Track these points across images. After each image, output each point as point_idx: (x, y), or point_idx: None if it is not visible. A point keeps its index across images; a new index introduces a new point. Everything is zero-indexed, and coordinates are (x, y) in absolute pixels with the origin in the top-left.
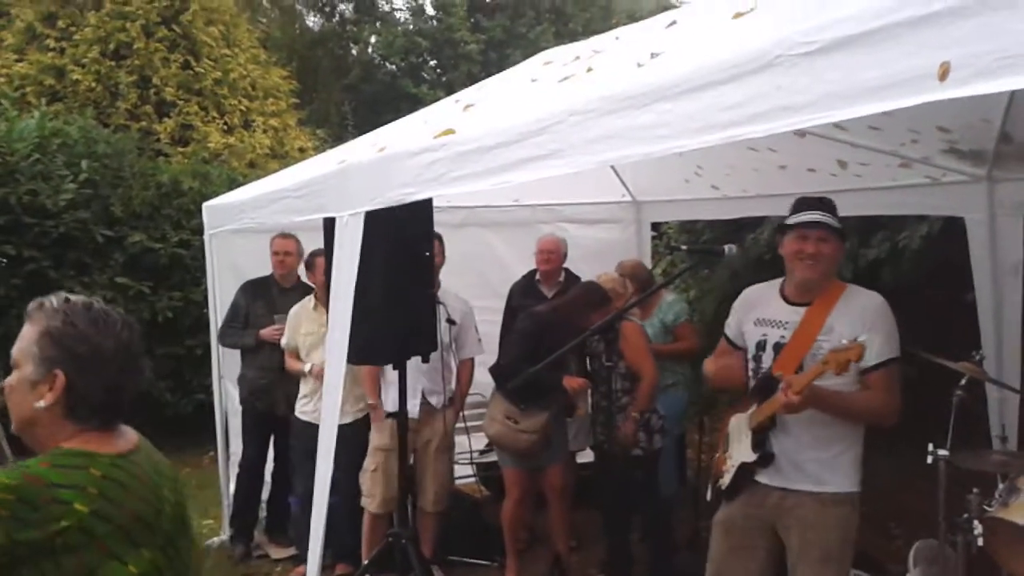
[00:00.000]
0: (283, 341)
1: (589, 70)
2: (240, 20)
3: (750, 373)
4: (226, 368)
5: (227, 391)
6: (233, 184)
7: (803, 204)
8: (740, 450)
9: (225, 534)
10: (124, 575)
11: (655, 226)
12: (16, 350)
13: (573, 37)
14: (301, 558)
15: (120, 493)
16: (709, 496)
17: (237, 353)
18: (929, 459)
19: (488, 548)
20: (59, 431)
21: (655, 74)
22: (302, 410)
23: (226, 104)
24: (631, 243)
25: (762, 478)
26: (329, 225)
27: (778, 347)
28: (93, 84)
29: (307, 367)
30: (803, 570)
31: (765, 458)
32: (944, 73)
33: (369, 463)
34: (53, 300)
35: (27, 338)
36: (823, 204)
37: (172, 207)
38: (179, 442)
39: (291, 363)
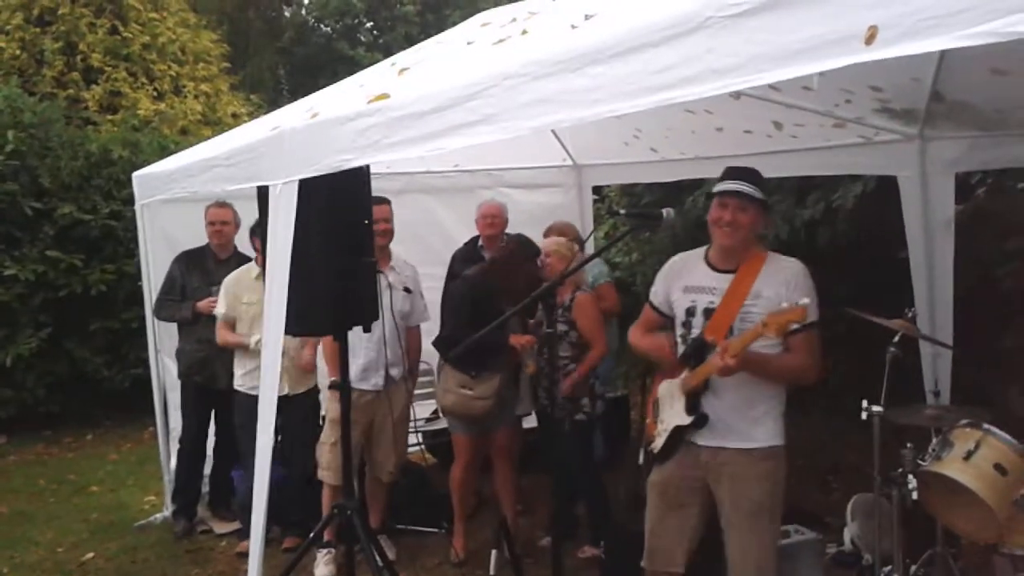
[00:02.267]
0: (218, 311)
1: (524, 32)
2: None
3: (678, 339)
4: (163, 342)
5: (165, 365)
6: (165, 152)
7: (729, 173)
8: (672, 414)
9: (167, 510)
10: None
11: (596, 190)
12: None
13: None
14: (246, 532)
15: None
16: (641, 460)
17: (174, 326)
18: (864, 415)
19: (435, 516)
20: None
21: (589, 36)
22: (249, 384)
23: (155, 70)
24: (573, 207)
25: (695, 438)
26: (263, 194)
27: (708, 312)
28: (17, 52)
29: (253, 340)
30: (735, 523)
31: (700, 420)
32: (872, 36)
33: (328, 435)
34: None
35: None
36: (747, 173)
37: (102, 177)
38: (118, 418)
39: (225, 335)
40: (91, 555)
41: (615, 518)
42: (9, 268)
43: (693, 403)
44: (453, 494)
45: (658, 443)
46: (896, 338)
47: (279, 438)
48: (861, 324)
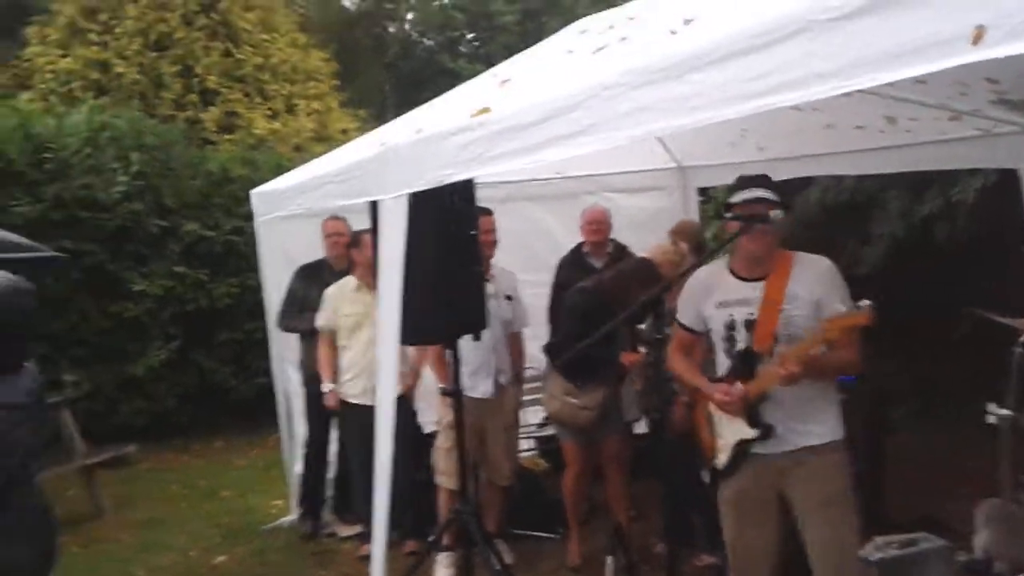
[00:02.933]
0: (319, 322)
1: (623, 39)
2: (277, 4)
3: (722, 353)
4: (285, 352)
5: (287, 374)
6: (280, 169)
7: (743, 183)
8: (733, 429)
9: (294, 514)
10: None
11: (702, 191)
12: None
13: (610, 2)
14: (368, 536)
15: None
16: (707, 479)
17: (295, 337)
18: (991, 419)
19: (550, 521)
20: None
21: (688, 42)
22: (348, 393)
23: (269, 89)
24: (677, 209)
25: (760, 449)
26: (375, 208)
27: (749, 324)
28: (137, 76)
29: (345, 357)
30: (809, 518)
31: (766, 431)
32: (978, 37)
33: (442, 441)
34: None
35: None
36: (762, 180)
37: (223, 195)
38: (244, 425)
39: (324, 350)
40: (222, 558)
41: None
42: (138, 284)
43: (754, 415)
44: (566, 500)
45: (722, 459)
46: (1023, 338)
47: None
48: (983, 324)
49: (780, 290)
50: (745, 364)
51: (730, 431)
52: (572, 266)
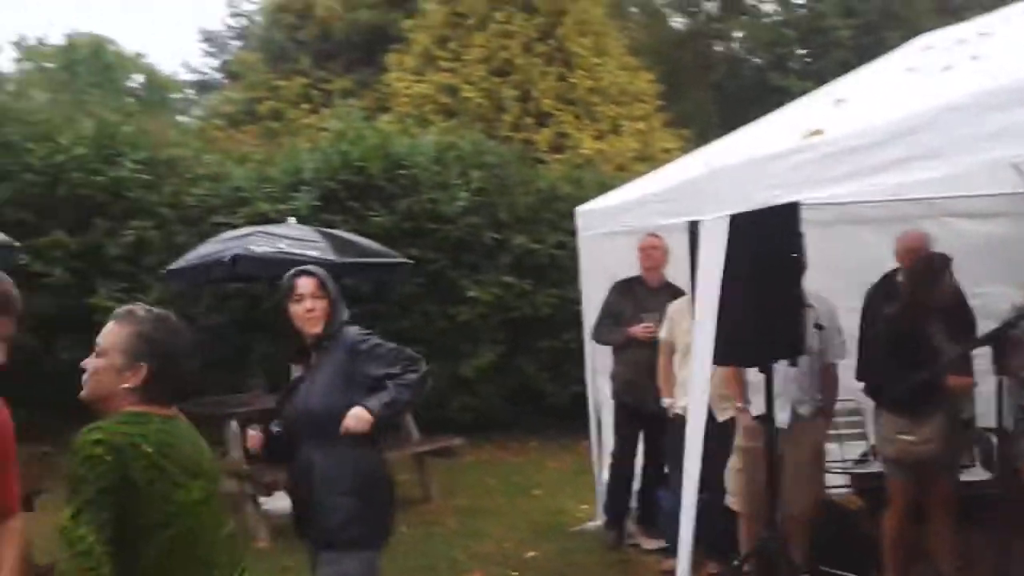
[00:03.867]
0: (661, 335)
1: (974, 58)
2: (610, 29)
3: None
4: (599, 363)
5: (599, 385)
6: (604, 187)
7: None
8: None
9: (599, 520)
10: (187, 498)
11: None
12: (106, 342)
13: (957, 15)
14: (671, 551)
15: (173, 439)
16: None
17: (609, 349)
18: None
19: (864, 563)
20: (125, 404)
21: None
22: (679, 406)
23: (597, 111)
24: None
25: None
26: (694, 228)
27: None
28: (481, 100)
29: (681, 373)
30: None
31: None
32: None
33: (735, 462)
34: (140, 310)
35: (118, 334)
36: None
37: (550, 211)
38: (558, 429)
39: (663, 362)
40: (533, 553)
41: None
42: (472, 291)
43: None
44: (885, 542)
45: None
46: None
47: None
48: None
49: None
50: None
51: None
52: (887, 297)
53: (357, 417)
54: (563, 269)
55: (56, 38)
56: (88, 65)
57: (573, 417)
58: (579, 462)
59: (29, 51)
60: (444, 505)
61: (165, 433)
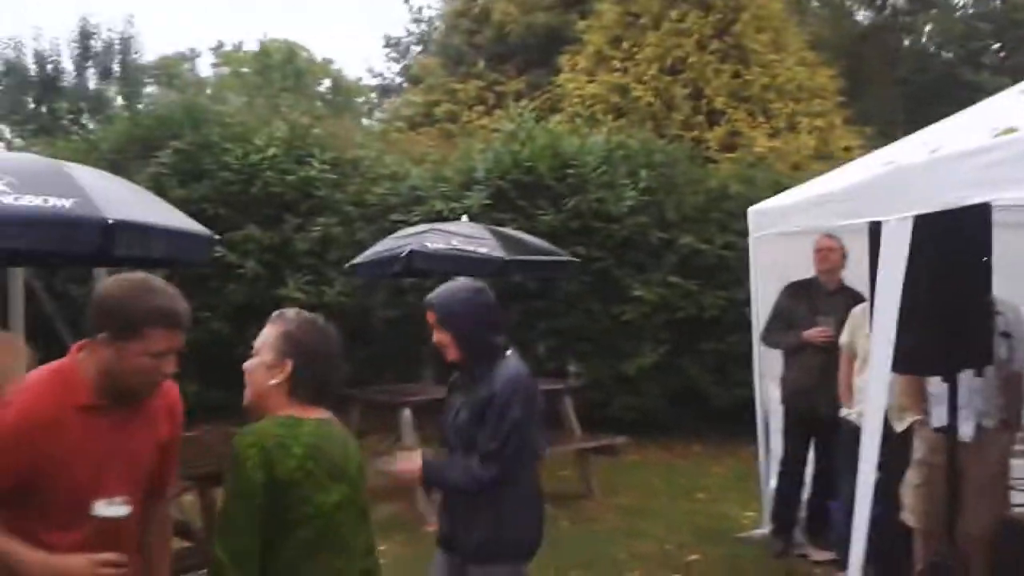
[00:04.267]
0: (841, 339)
1: None
2: (789, 24)
3: None
4: (767, 367)
5: (767, 389)
6: (777, 187)
7: None
8: None
9: (765, 527)
10: (326, 500)
11: None
12: (259, 342)
13: None
14: (842, 564)
15: (322, 443)
16: None
17: (778, 353)
18: None
19: None
20: (277, 405)
21: None
22: (854, 412)
23: (772, 108)
24: None
25: None
26: (875, 229)
27: None
28: (652, 99)
29: (859, 379)
30: None
31: None
32: None
33: (912, 476)
34: (290, 312)
35: (269, 334)
36: None
37: (720, 211)
38: (722, 433)
39: (844, 369)
40: (695, 556)
41: None
42: (637, 290)
43: None
44: None
45: None
46: None
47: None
48: None
49: None
50: None
51: None
52: None
53: (411, 467)
54: (731, 270)
55: (251, 44)
56: (281, 70)
57: (737, 421)
58: (743, 467)
59: (226, 57)
60: (606, 503)
61: (316, 436)
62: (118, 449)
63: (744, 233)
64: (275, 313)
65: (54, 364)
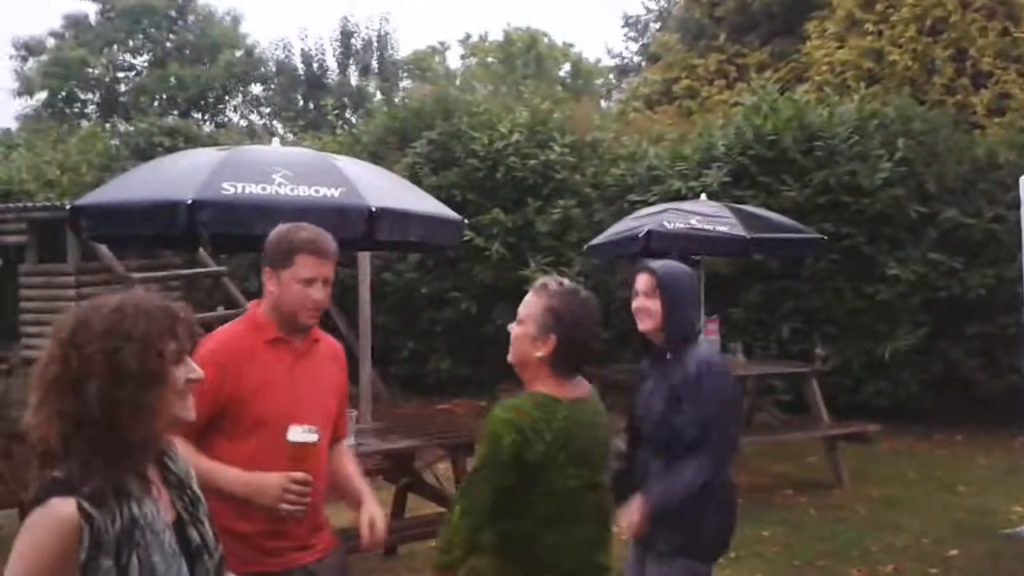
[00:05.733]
0: None
1: None
2: None
3: None
4: None
5: None
6: None
7: None
8: None
9: None
10: (563, 484)
11: None
12: (523, 312)
13: None
14: None
15: (572, 429)
16: None
17: None
18: None
19: None
20: (538, 375)
21: None
22: None
23: None
24: None
25: None
26: None
27: None
28: (909, 63)
29: None
30: None
31: None
32: None
33: None
34: (553, 283)
35: (534, 305)
36: None
37: (988, 181)
38: (989, 422)
39: None
40: (954, 552)
41: None
42: (892, 268)
43: None
44: None
45: None
46: None
47: None
48: None
49: None
50: None
51: None
52: None
53: (630, 521)
54: (1002, 245)
55: (496, 34)
56: (523, 57)
57: (1007, 410)
58: (1013, 459)
59: (473, 47)
60: (855, 492)
61: (568, 420)
62: (306, 382)
63: (1016, 205)
64: (538, 282)
65: (243, 315)
